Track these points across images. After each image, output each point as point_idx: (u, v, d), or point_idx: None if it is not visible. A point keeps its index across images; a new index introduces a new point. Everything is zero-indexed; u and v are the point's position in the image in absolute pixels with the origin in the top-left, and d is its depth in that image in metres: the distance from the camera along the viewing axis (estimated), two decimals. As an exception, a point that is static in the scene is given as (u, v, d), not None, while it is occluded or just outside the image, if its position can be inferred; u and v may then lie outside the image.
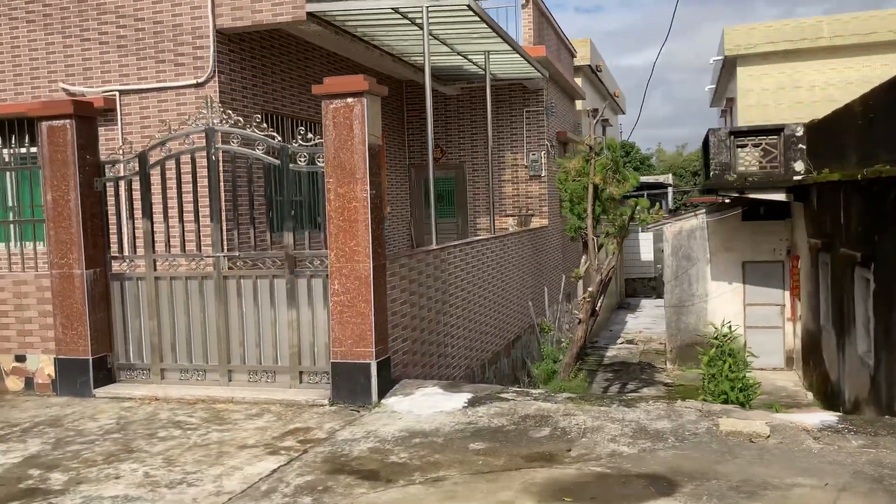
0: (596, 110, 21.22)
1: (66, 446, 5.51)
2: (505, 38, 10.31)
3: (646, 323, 25.31)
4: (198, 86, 9.18)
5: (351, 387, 6.31)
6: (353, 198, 6.23)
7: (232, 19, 9.06)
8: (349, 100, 6.21)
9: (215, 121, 6.78)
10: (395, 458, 5.00)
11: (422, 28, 9.37)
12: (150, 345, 7.11)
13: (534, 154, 14.92)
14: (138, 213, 7.12)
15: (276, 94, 10.48)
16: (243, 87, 9.72)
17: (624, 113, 35.41)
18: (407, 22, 9.75)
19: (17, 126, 9.43)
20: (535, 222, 15.04)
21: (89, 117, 7.06)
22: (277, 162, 6.65)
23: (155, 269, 7.08)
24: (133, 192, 7.13)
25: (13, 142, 9.90)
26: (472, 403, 6.15)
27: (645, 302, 31.90)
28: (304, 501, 4.33)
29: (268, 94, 10.28)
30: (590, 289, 12.17)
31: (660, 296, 25.89)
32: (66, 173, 6.90)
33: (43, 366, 7.23)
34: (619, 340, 21.84)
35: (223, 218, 7.13)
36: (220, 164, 6.92)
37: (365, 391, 6.28)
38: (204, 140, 6.83)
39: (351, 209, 6.25)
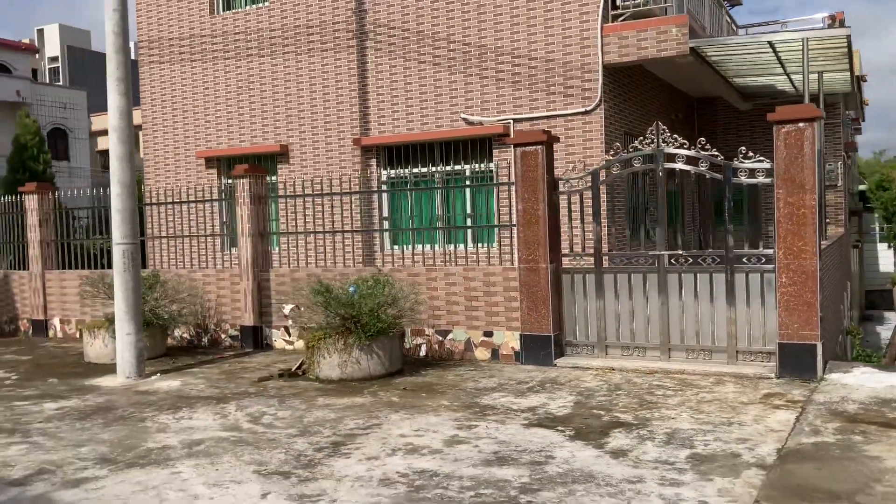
0: None
1: (592, 398, 7.15)
2: (850, 61, 11.24)
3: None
4: (585, 113, 10.86)
5: (796, 364, 7.55)
6: (802, 205, 7.50)
7: (619, 56, 10.66)
8: (800, 124, 7.49)
9: (662, 144, 8.30)
10: (892, 414, 6.17)
11: (777, 57, 10.51)
12: (596, 326, 8.74)
13: (830, 164, 15.52)
14: (588, 219, 8.80)
15: (631, 117, 12.00)
16: (617, 113, 11.30)
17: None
18: (767, 51, 10.91)
19: (445, 149, 11.59)
20: (832, 231, 15.61)
21: (551, 143, 8.83)
22: (720, 176, 8.06)
23: (602, 265, 8.71)
24: (584, 202, 8.83)
25: (448, 162, 12.09)
26: (915, 381, 7.19)
27: (890, 315, 30.70)
28: (856, 439, 5.60)
29: (625, 117, 11.80)
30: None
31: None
32: (536, 188, 8.69)
33: (507, 340, 9.06)
34: None
35: (666, 222, 8.62)
36: (665, 179, 8.43)
37: (810, 368, 7.50)
38: (641, 161, 8.37)
39: (800, 215, 7.51)
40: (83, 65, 80.00)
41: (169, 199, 12.01)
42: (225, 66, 13.65)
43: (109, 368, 9.36)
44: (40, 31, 77.00)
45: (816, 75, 12.29)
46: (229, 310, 10.87)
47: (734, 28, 15.82)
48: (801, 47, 10.06)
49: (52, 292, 12.43)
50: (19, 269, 13.02)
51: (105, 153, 50.36)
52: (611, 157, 8.65)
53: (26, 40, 63.98)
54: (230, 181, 13.69)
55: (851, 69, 12.18)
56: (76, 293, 12.15)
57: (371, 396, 7.49)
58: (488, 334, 9.18)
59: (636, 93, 12.20)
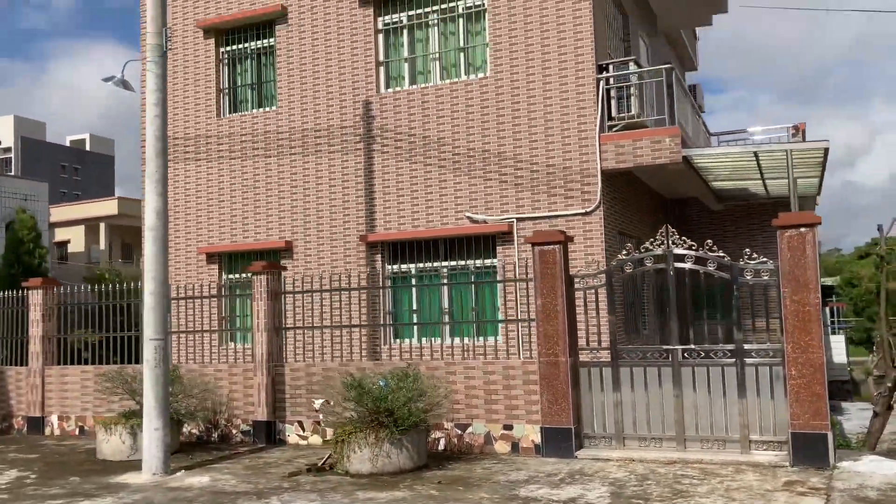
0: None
1: (625, 488, 7.46)
2: (823, 168, 12.32)
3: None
4: (586, 214, 11.56)
5: (808, 452, 8.02)
6: (807, 303, 8.15)
7: (616, 162, 11.48)
8: (802, 229, 8.23)
9: (672, 245, 8.96)
10: (912, 500, 6.65)
11: (758, 164, 11.48)
12: (614, 418, 9.13)
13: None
14: (603, 314, 9.32)
15: (622, 217, 12.76)
16: (611, 213, 12.04)
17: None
18: (750, 159, 11.87)
19: (449, 245, 12.11)
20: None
21: (566, 243, 9.42)
22: (727, 276, 8.72)
23: (618, 359, 9.18)
24: (599, 298, 9.37)
25: (450, 258, 12.58)
26: (920, 467, 7.71)
27: (848, 405, 31.71)
28: (887, 522, 6.05)
29: (617, 217, 12.56)
30: (888, 384, 13.40)
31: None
32: (555, 284, 9.22)
33: (527, 433, 9.36)
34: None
35: (676, 318, 9.17)
36: (675, 277, 9.04)
37: (822, 456, 7.98)
38: (652, 260, 9.01)
39: (805, 312, 8.16)
40: (37, 155, 79.27)
41: (180, 295, 12.23)
42: (230, 165, 14.11)
43: (128, 465, 9.34)
44: (-8, 123, 76.42)
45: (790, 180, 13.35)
46: (241, 404, 10.95)
47: (707, 135, 17.03)
48: (783, 157, 11.04)
49: (51, 388, 12.31)
50: (13, 363, 12.89)
51: (62, 244, 49.85)
52: (623, 257, 9.26)
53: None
54: (231, 277, 14.01)
55: (822, 175, 13.27)
56: (78, 389, 12.08)
57: (409, 490, 7.67)
58: (508, 427, 9.47)
59: (625, 195, 13.01)
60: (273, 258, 13.64)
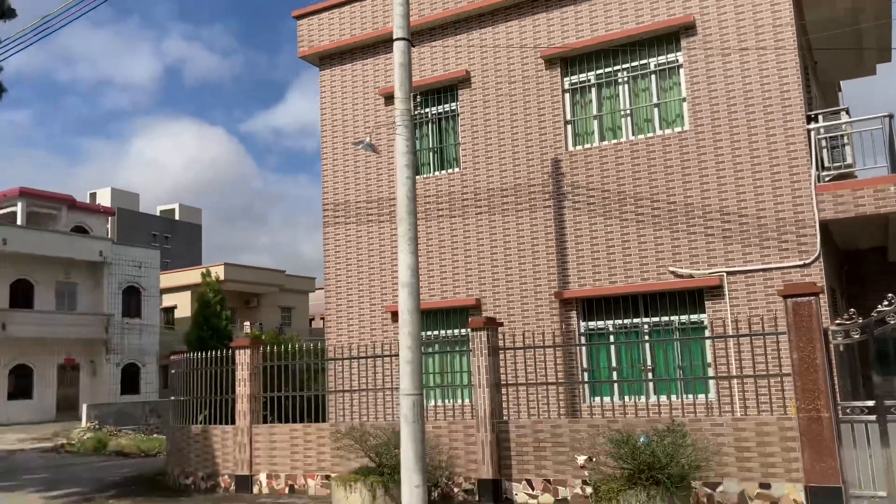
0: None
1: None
2: None
3: None
4: (804, 266, 11.31)
5: None
6: None
7: (835, 212, 11.26)
8: None
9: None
10: None
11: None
12: (885, 477, 8.70)
13: None
14: (865, 369, 9.00)
15: (827, 269, 12.44)
16: (828, 266, 11.74)
17: None
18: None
19: (649, 301, 12.00)
20: None
21: (818, 294, 9.19)
22: None
23: (885, 414, 8.80)
24: (856, 352, 9.07)
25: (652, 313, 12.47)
26: None
27: None
28: None
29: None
30: None
31: None
32: (812, 338, 8.97)
33: (788, 492, 9.00)
34: None
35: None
36: (946, 327, 8.69)
37: None
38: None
39: None
40: (132, 224, 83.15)
41: (363, 354, 12.49)
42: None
43: (375, 523, 9.32)
44: (93, 195, 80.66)
45: None
46: (463, 462, 10.89)
47: None
48: None
49: (258, 447, 12.50)
50: (213, 423, 13.17)
51: (168, 310, 51.46)
52: (885, 308, 8.97)
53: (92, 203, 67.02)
54: (425, 334, 14.09)
55: None
56: (287, 447, 12.22)
57: (703, 550, 7.41)
58: (765, 486, 9.13)
59: (825, 247, 12.70)
60: (462, 316, 13.74)
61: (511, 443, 10.64)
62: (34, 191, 41.88)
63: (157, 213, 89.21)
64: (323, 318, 61.10)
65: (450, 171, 14.49)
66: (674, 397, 11.16)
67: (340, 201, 15.38)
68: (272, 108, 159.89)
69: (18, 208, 40.61)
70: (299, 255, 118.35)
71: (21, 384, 37.51)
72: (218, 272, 49.20)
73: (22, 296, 38.10)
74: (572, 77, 13.61)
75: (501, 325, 11.63)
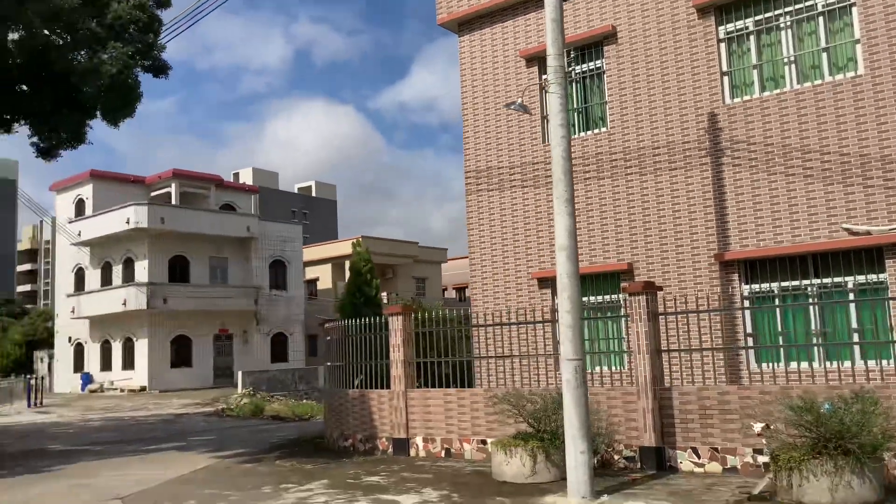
0: None
1: None
2: None
3: None
4: None
5: None
6: None
7: None
8: None
9: None
10: None
11: None
12: None
13: None
14: None
15: None
16: None
17: None
18: None
19: (819, 261, 11.21)
20: None
21: None
22: None
23: None
24: None
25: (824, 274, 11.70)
26: None
27: None
28: None
29: None
30: None
31: None
32: None
33: None
34: None
35: None
36: None
37: None
38: None
39: None
40: (272, 201, 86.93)
41: (513, 321, 12.35)
42: (559, 189, 14.09)
43: (533, 488, 9.30)
44: (236, 174, 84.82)
45: None
46: (623, 429, 10.61)
47: None
48: None
49: (414, 411, 12.72)
50: (371, 387, 13.52)
51: (311, 282, 53.68)
52: None
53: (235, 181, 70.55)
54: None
55: None
56: (441, 411, 12.36)
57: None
58: (968, 460, 8.33)
59: None
60: (613, 281, 13.38)
61: (675, 410, 10.26)
62: (185, 172, 44.57)
63: (296, 191, 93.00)
64: (455, 288, 61.88)
65: (596, 131, 14.05)
66: (848, 363, 10.37)
67: (483, 168, 15.28)
68: (397, 84, 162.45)
69: (172, 189, 43.38)
70: (428, 227, 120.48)
71: (181, 353, 40.39)
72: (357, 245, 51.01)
73: (179, 271, 40.86)
74: (728, 25, 12.78)
75: (661, 289, 11.19)
